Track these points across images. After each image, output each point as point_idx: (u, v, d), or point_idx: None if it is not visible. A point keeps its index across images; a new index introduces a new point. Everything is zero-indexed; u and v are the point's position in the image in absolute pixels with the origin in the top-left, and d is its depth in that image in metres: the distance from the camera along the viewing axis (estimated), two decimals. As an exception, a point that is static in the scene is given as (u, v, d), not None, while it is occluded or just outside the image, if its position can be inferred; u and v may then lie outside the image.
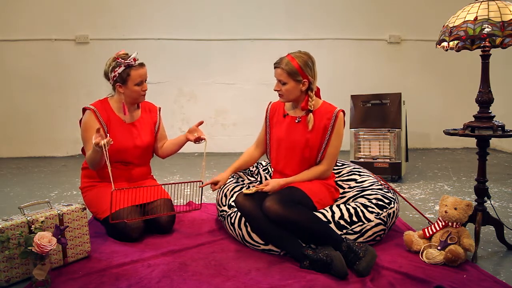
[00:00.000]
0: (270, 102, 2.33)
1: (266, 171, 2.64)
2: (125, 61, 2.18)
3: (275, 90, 2.11)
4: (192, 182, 2.25)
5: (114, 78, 2.22)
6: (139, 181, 2.38)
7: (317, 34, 5.51)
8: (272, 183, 2.04)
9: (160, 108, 2.51)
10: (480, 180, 1.99)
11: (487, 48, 1.91)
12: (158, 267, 1.83)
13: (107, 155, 1.94)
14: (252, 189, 2.02)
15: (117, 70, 2.20)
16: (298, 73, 2.04)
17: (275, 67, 2.08)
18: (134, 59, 2.20)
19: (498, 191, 3.22)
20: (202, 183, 2.23)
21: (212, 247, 2.09)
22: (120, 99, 2.29)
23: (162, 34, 5.46)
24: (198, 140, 2.29)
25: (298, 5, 5.50)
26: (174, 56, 5.49)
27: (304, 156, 2.13)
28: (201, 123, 2.33)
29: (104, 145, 1.90)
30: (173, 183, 2.24)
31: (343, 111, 2.17)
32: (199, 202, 2.30)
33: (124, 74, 2.20)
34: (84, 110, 2.27)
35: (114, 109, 2.30)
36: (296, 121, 2.16)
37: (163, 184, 2.28)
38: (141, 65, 2.24)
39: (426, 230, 1.97)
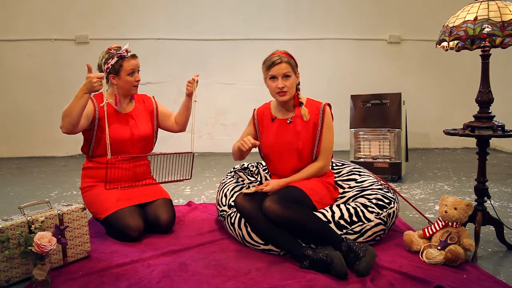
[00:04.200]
0: (254, 109, 2.30)
1: (266, 171, 2.64)
2: (118, 52, 2.22)
3: (279, 88, 2.05)
4: (184, 153, 2.27)
5: (108, 70, 2.24)
6: (140, 180, 2.39)
7: (317, 34, 5.51)
8: (272, 183, 2.04)
9: (153, 97, 2.53)
10: (480, 180, 1.99)
11: (487, 48, 1.90)
12: (158, 267, 1.83)
13: (105, 90, 2.08)
14: (252, 189, 2.02)
15: (110, 62, 2.23)
16: (295, 66, 2.10)
17: (278, 63, 2.03)
18: (127, 50, 2.24)
19: (498, 191, 3.22)
20: (193, 155, 2.29)
21: (212, 247, 2.09)
22: (113, 91, 2.31)
23: (162, 34, 5.46)
24: (191, 85, 2.31)
25: (298, 5, 5.50)
26: (174, 56, 5.49)
27: (299, 156, 2.13)
28: (197, 76, 2.34)
29: (102, 77, 2.01)
30: (164, 154, 2.25)
31: (329, 104, 2.18)
32: (190, 173, 2.32)
33: (117, 65, 2.23)
34: None
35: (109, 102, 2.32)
36: (288, 122, 2.15)
37: (158, 154, 2.28)
38: (133, 56, 2.28)
39: (426, 230, 1.97)
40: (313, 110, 2.14)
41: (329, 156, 2.16)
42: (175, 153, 2.26)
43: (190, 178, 2.31)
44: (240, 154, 2.15)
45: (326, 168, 2.17)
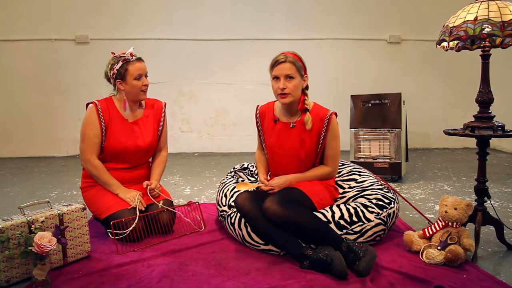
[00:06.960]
0: (258, 106, 2.25)
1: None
2: (121, 56, 2.20)
3: (281, 89, 1.97)
4: (190, 205, 2.45)
5: (114, 76, 2.23)
6: (140, 183, 2.38)
7: (317, 34, 5.51)
8: (276, 180, 2.06)
9: (165, 104, 2.46)
10: (480, 180, 1.99)
11: (487, 48, 1.90)
12: (158, 267, 1.83)
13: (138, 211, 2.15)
14: (253, 185, 2.05)
15: (115, 67, 2.21)
16: (302, 68, 2.02)
17: (280, 62, 1.97)
18: (131, 54, 2.22)
19: (498, 191, 3.22)
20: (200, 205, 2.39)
21: (212, 247, 2.09)
22: (121, 96, 2.28)
23: (162, 34, 5.46)
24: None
25: (299, 5, 5.50)
26: (174, 56, 5.49)
27: (299, 162, 2.12)
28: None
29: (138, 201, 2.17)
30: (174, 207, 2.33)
31: (336, 114, 2.11)
32: (202, 223, 2.41)
33: (122, 70, 2.20)
34: (87, 105, 2.27)
35: (118, 107, 2.30)
36: (291, 126, 2.10)
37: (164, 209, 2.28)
38: (139, 59, 2.24)
39: (426, 230, 1.97)
40: (318, 117, 2.07)
41: (337, 162, 2.16)
42: (182, 206, 2.47)
43: (203, 228, 2.37)
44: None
45: (333, 174, 2.16)
